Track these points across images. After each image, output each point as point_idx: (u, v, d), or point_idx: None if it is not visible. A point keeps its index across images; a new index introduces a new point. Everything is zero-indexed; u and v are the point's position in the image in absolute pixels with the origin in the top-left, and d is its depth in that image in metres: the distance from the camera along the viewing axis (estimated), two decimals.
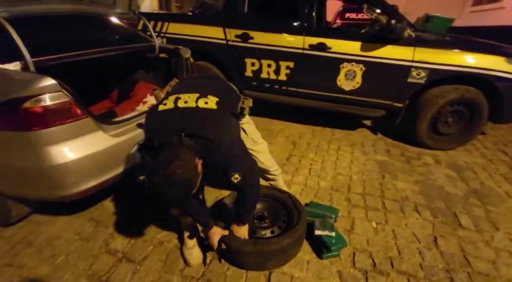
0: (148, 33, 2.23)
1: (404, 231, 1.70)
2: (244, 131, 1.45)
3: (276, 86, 3.01)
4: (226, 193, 1.84)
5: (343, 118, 3.28)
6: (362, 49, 2.58)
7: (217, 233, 1.33)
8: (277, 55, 2.84)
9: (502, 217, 1.84)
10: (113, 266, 1.44)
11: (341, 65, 2.67)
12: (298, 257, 1.49)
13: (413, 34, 2.48)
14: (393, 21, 2.29)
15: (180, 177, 0.92)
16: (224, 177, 1.11)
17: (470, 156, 2.65)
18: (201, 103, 1.09)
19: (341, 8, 5.77)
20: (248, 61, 2.97)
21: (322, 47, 2.67)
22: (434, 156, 2.63)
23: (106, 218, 1.76)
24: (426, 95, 2.57)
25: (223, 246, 1.34)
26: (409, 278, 1.39)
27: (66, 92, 1.25)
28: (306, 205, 1.82)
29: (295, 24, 2.78)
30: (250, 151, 1.49)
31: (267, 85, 3.04)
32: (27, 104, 1.16)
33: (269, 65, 2.92)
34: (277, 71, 2.92)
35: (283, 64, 2.87)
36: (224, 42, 2.98)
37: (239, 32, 2.90)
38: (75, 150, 1.31)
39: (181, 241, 1.52)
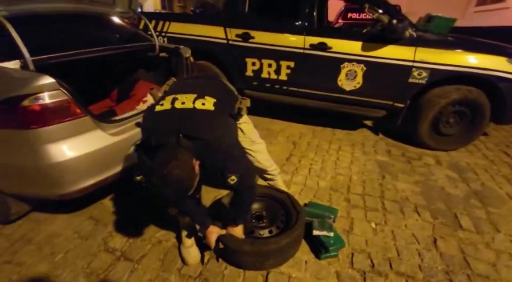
0: (149, 32, 2.23)
1: (404, 232, 1.69)
2: (242, 131, 1.44)
3: (277, 86, 3.01)
4: (224, 192, 1.84)
5: (344, 118, 3.27)
6: (363, 49, 2.56)
7: (214, 233, 1.33)
8: (278, 54, 2.83)
9: (503, 219, 1.82)
10: (111, 264, 1.44)
11: (341, 65, 2.66)
12: (296, 257, 1.48)
13: (414, 34, 2.46)
14: (394, 21, 2.28)
15: (177, 178, 0.92)
16: (221, 177, 1.11)
17: (471, 157, 2.63)
18: (198, 105, 1.09)
19: (343, 8, 5.75)
20: (249, 60, 2.97)
21: (322, 47, 2.66)
22: (435, 156, 2.62)
23: (105, 216, 1.77)
24: (427, 95, 2.55)
25: (221, 246, 1.34)
26: (408, 280, 1.38)
27: (64, 91, 1.26)
28: (305, 205, 1.82)
29: (296, 23, 2.77)
30: (247, 150, 1.49)
31: (268, 85, 3.03)
32: (25, 103, 1.17)
33: (269, 65, 2.92)
34: (277, 71, 2.91)
35: (283, 64, 2.86)
36: (225, 41, 2.98)
37: (240, 31, 2.89)
38: (73, 148, 1.32)
39: (179, 240, 1.52)
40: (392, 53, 2.49)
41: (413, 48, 2.44)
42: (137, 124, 1.60)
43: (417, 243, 1.61)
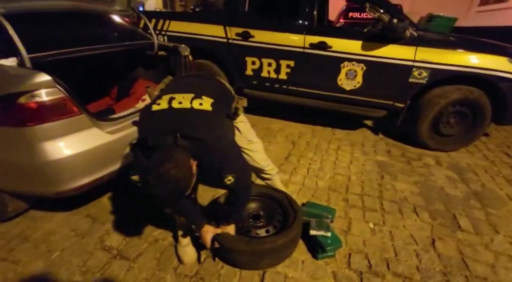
0: (148, 31, 2.23)
1: (402, 232, 1.68)
2: (239, 130, 1.44)
3: (277, 85, 3.00)
4: (222, 191, 1.83)
5: (344, 118, 3.25)
6: (363, 48, 2.55)
7: (210, 232, 1.33)
8: (278, 54, 2.82)
9: (502, 220, 1.80)
10: (107, 262, 1.44)
11: (341, 65, 2.64)
12: (293, 257, 1.48)
13: (415, 33, 2.44)
14: (394, 20, 2.26)
15: (174, 178, 0.92)
16: (217, 178, 1.11)
17: (472, 158, 2.61)
18: (196, 105, 1.08)
19: (344, 8, 5.73)
20: (249, 59, 2.96)
21: (322, 46, 2.65)
22: (435, 157, 2.60)
23: (103, 215, 1.77)
24: (427, 95, 2.54)
25: (216, 245, 1.33)
26: (405, 281, 1.37)
27: (61, 89, 1.25)
28: (303, 204, 1.81)
29: (296, 22, 2.76)
30: (244, 150, 1.49)
31: (268, 84, 3.02)
32: (21, 100, 1.16)
33: (269, 64, 2.91)
34: (277, 70, 2.90)
35: (283, 63, 2.85)
36: (225, 40, 2.97)
37: (240, 30, 2.88)
38: (69, 146, 1.31)
39: (176, 239, 1.52)
40: (392, 52, 2.48)
41: (413, 48, 2.42)
42: (134, 123, 1.59)
43: (415, 244, 1.59)
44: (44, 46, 1.46)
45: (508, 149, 2.81)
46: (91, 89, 2.34)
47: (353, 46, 2.58)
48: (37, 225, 1.67)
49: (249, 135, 1.50)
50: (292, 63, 2.82)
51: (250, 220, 1.55)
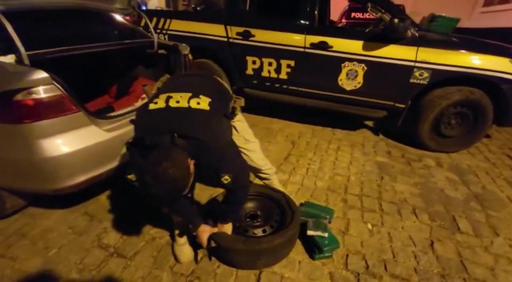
0: (149, 30, 2.23)
1: (400, 234, 1.67)
2: (236, 129, 1.43)
3: (277, 85, 2.99)
4: (220, 190, 1.83)
5: (344, 118, 3.24)
6: (364, 48, 2.53)
7: (206, 231, 1.32)
8: (278, 53, 2.81)
9: (503, 222, 1.79)
10: (104, 260, 1.44)
11: (342, 65, 2.63)
12: (289, 257, 1.47)
13: (416, 33, 2.43)
14: (395, 20, 2.25)
15: (172, 177, 0.91)
16: (215, 177, 1.11)
17: (473, 159, 2.59)
18: (193, 104, 1.08)
19: (347, 8, 5.71)
20: (249, 59, 2.96)
21: (323, 46, 2.64)
22: (436, 158, 2.58)
23: (101, 212, 1.77)
24: (428, 96, 2.52)
25: (213, 244, 1.33)
26: None
27: (58, 86, 1.25)
28: (301, 204, 1.80)
29: (297, 22, 2.75)
30: (241, 149, 1.48)
31: (268, 83, 3.02)
32: (18, 97, 1.17)
33: (270, 64, 2.90)
34: (278, 70, 2.89)
35: (284, 62, 2.84)
36: (226, 39, 2.96)
37: (241, 29, 2.88)
38: (66, 143, 1.31)
39: (173, 237, 1.51)
40: (393, 53, 2.46)
41: (415, 48, 2.41)
42: (132, 122, 1.59)
43: (414, 245, 1.58)
44: (43, 44, 1.46)
45: (509, 151, 2.79)
46: (91, 88, 2.34)
47: (354, 46, 2.56)
48: (35, 222, 1.68)
49: (246, 135, 1.50)
50: (292, 63, 2.81)
51: (247, 220, 1.54)
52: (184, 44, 2.12)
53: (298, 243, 1.55)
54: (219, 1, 3.28)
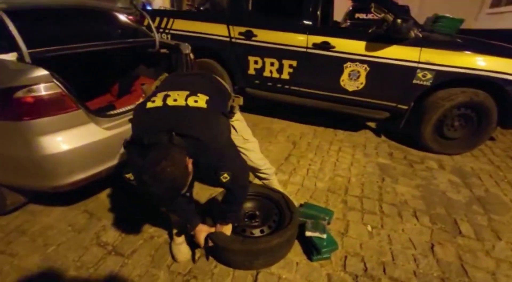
0: (150, 29, 2.24)
1: (400, 236, 1.65)
2: (234, 129, 1.42)
3: (279, 85, 2.98)
4: (219, 190, 1.83)
5: (347, 119, 3.22)
6: (367, 49, 2.52)
7: (203, 231, 1.32)
8: (280, 53, 2.81)
9: (505, 226, 1.76)
10: (102, 258, 1.44)
11: (344, 65, 2.62)
12: (287, 258, 1.46)
13: (420, 34, 2.40)
14: (398, 21, 2.23)
15: (170, 176, 0.90)
16: (214, 176, 1.10)
17: (476, 162, 2.56)
18: (191, 102, 1.07)
19: (350, 8, 5.67)
20: (251, 59, 2.95)
21: (325, 46, 2.62)
22: (438, 160, 2.55)
23: (100, 210, 1.77)
24: (432, 97, 2.49)
25: (210, 243, 1.33)
26: None
27: (58, 84, 1.26)
28: (301, 205, 1.79)
29: (299, 22, 2.74)
30: (240, 149, 1.47)
31: (270, 84, 3.01)
32: (18, 94, 1.17)
33: (272, 64, 2.89)
34: (280, 70, 2.89)
35: (286, 62, 2.83)
36: (228, 39, 2.96)
37: (243, 29, 2.88)
38: (66, 141, 1.32)
39: (171, 236, 1.51)
40: (396, 53, 2.44)
41: (418, 49, 2.38)
42: (130, 121, 1.59)
43: (414, 248, 1.56)
44: (45, 42, 1.47)
45: None
46: (94, 86, 2.36)
47: (357, 46, 2.55)
48: (36, 219, 1.69)
49: (245, 134, 1.49)
50: (294, 63, 2.80)
51: (246, 220, 1.54)
52: (185, 44, 2.12)
53: (297, 244, 1.54)
54: (222, 1, 3.29)
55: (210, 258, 1.44)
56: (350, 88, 2.69)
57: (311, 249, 1.46)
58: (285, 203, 1.58)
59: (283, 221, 1.48)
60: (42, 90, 1.21)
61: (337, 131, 3.08)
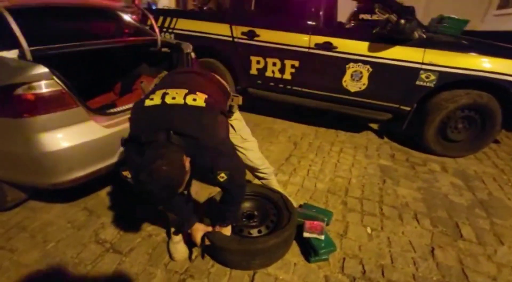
0: (152, 28, 2.24)
1: (400, 239, 1.63)
2: (233, 128, 1.42)
3: (281, 85, 2.97)
4: (218, 189, 1.82)
5: (349, 120, 3.20)
6: (370, 49, 2.50)
7: (200, 230, 1.32)
8: (283, 53, 2.80)
9: (508, 231, 1.73)
10: (100, 255, 1.45)
11: (347, 66, 2.60)
12: (285, 259, 1.45)
13: (423, 35, 2.38)
14: (402, 21, 2.21)
15: (167, 175, 0.90)
16: (211, 175, 1.09)
17: (480, 165, 2.52)
18: (189, 100, 1.06)
19: (355, 9, 5.64)
20: (253, 59, 2.95)
21: (328, 46, 2.61)
22: (441, 163, 2.52)
23: (100, 208, 1.78)
24: (435, 99, 2.46)
25: (207, 242, 1.32)
26: None
27: (58, 81, 1.27)
28: (300, 206, 1.78)
29: (302, 22, 2.73)
30: (238, 148, 1.47)
31: (272, 84, 3.00)
32: (18, 91, 1.18)
33: (274, 64, 2.88)
34: (282, 70, 2.88)
35: (288, 63, 2.82)
36: (230, 39, 2.96)
37: (245, 29, 2.87)
38: (65, 138, 1.33)
39: (169, 235, 1.51)
40: (399, 54, 2.42)
41: (421, 50, 2.36)
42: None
43: (413, 251, 1.54)
44: (47, 41, 1.48)
45: None
46: (97, 85, 2.37)
47: (360, 47, 2.53)
48: (36, 215, 1.70)
49: (244, 134, 1.48)
50: (296, 63, 2.79)
51: (244, 220, 1.53)
52: (187, 43, 2.13)
53: (295, 245, 1.53)
54: (225, 0, 3.29)
55: (207, 257, 1.43)
56: (352, 89, 2.68)
57: (309, 250, 1.45)
58: (283, 203, 1.57)
59: (282, 221, 1.47)
60: (42, 87, 1.22)
61: (339, 132, 3.06)
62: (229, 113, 1.33)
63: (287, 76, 2.88)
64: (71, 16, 1.93)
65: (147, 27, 2.32)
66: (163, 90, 1.10)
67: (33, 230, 1.59)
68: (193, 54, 2.14)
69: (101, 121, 1.49)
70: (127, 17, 2.19)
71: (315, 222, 1.49)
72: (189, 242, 1.46)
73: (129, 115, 1.60)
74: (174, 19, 3.16)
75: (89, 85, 2.26)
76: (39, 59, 1.33)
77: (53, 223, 1.65)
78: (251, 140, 1.53)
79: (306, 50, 2.70)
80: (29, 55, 1.31)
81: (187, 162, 1.00)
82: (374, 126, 3.30)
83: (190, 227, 1.32)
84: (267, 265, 1.40)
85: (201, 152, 1.03)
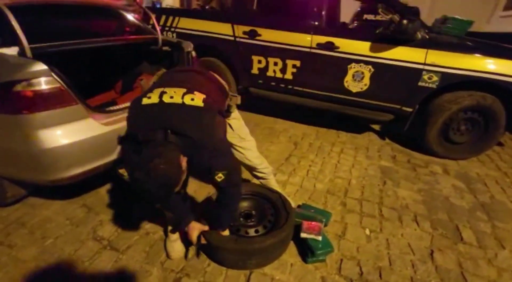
0: (158, 27, 2.24)
1: (399, 241, 1.61)
2: (231, 127, 1.41)
3: (282, 85, 2.96)
4: None
5: (350, 120, 3.18)
6: (372, 49, 2.48)
7: (196, 228, 1.31)
8: (284, 53, 2.79)
9: (510, 234, 1.70)
10: (97, 252, 1.45)
11: (348, 66, 2.58)
12: (282, 259, 1.44)
13: (426, 35, 2.35)
14: (404, 21, 2.18)
15: (164, 174, 0.90)
16: (208, 175, 1.09)
17: (483, 167, 2.49)
18: (187, 100, 1.06)
19: (359, 9, 5.61)
20: (255, 58, 2.94)
21: (330, 46, 2.59)
22: (443, 165, 2.49)
23: (98, 205, 1.79)
24: (437, 100, 2.44)
25: (203, 241, 1.32)
26: None
27: (57, 78, 1.27)
28: (299, 206, 1.77)
29: (304, 22, 2.71)
30: (236, 147, 1.46)
31: (273, 83, 2.99)
32: (17, 88, 1.19)
33: (275, 63, 2.87)
34: (283, 70, 2.87)
35: (289, 62, 2.81)
36: (232, 38, 2.96)
37: (247, 28, 2.87)
38: (64, 135, 1.33)
39: (166, 233, 1.52)
40: (401, 54, 2.40)
41: (424, 50, 2.33)
42: None
43: (412, 254, 1.52)
44: (48, 38, 1.49)
45: None
46: (98, 83, 2.39)
47: (362, 47, 2.51)
48: (35, 211, 1.71)
49: (242, 133, 1.48)
50: (298, 63, 2.78)
51: (241, 219, 1.53)
52: (188, 42, 2.13)
53: (292, 245, 1.52)
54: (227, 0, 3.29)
55: (204, 256, 1.43)
56: (354, 90, 2.66)
57: (306, 251, 1.44)
58: (281, 203, 1.56)
59: (279, 221, 1.46)
60: (41, 84, 1.23)
61: (340, 133, 3.05)
62: (227, 113, 1.33)
63: (289, 76, 2.87)
64: (72, 14, 1.94)
65: (149, 26, 2.33)
66: (161, 89, 1.10)
67: (32, 226, 1.60)
68: (193, 53, 2.15)
69: (100, 119, 1.50)
70: (128, 16, 2.19)
71: (313, 223, 1.48)
72: (186, 241, 1.47)
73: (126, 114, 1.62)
74: (177, 18, 3.17)
75: (90, 83, 2.27)
76: (39, 56, 1.34)
77: (52, 220, 1.66)
78: (249, 139, 1.53)
79: (308, 50, 2.69)
80: (29, 53, 1.32)
81: (184, 161, 1.00)
82: (376, 127, 3.27)
83: (187, 225, 1.31)
84: (264, 265, 1.39)
85: (198, 152, 1.03)
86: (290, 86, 2.93)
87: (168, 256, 1.43)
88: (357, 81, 2.61)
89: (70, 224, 1.64)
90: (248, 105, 3.32)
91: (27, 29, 1.34)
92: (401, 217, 1.80)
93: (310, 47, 2.67)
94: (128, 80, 2.36)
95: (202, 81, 1.25)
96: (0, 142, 1.36)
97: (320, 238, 1.43)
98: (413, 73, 2.39)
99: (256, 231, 1.43)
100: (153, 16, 2.23)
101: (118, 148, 1.59)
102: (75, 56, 1.98)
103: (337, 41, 2.58)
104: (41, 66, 1.22)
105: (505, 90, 2.25)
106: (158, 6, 7.07)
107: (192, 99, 1.07)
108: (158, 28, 2.12)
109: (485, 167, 2.50)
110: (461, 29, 2.65)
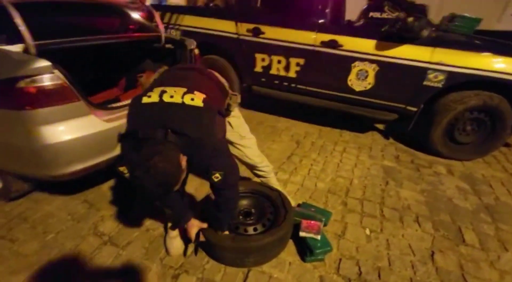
0: (162, 24, 2.25)
1: (400, 241, 1.60)
2: (231, 125, 1.41)
3: (285, 83, 2.94)
4: None
5: (354, 119, 3.15)
6: (376, 48, 2.45)
7: (195, 226, 1.32)
8: (288, 51, 2.77)
9: None
10: (98, 248, 1.47)
11: (352, 64, 2.55)
12: (280, 257, 1.44)
13: (433, 33, 2.31)
14: (410, 19, 2.15)
15: (163, 172, 0.90)
16: (206, 174, 1.10)
17: (489, 169, 2.45)
18: (187, 100, 1.06)
19: (365, 7, 5.54)
20: (258, 56, 2.92)
21: (333, 44, 2.57)
22: (447, 165, 2.46)
23: (100, 201, 1.81)
24: (443, 100, 2.40)
25: (202, 238, 1.32)
26: None
27: (59, 75, 1.28)
28: (299, 205, 1.76)
29: (308, 20, 2.69)
30: (236, 145, 1.46)
31: (276, 82, 2.98)
32: (21, 84, 1.20)
33: (279, 62, 2.86)
34: (286, 68, 2.85)
35: (293, 61, 2.79)
36: (235, 36, 2.95)
37: (251, 26, 2.85)
38: (66, 131, 1.35)
39: (166, 230, 1.52)
40: (407, 53, 2.36)
41: (430, 49, 2.29)
42: None
43: (412, 255, 1.51)
44: (52, 35, 1.50)
45: None
46: (102, 80, 2.40)
47: (366, 45, 2.48)
48: (38, 206, 1.74)
49: (242, 131, 1.47)
50: (301, 61, 2.76)
51: (240, 217, 1.53)
52: (191, 39, 2.13)
53: (291, 243, 1.52)
54: None
55: (202, 253, 1.44)
56: (358, 88, 2.63)
57: (305, 250, 1.44)
58: (281, 202, 1.56)
59: (278, 219, 1.46)
60: (44, 80, 1.24)
61: (343, 132, 3.02)
62: (227, 111, 1.32)
63: (292, 74, 2.85)
64: (75, 11, 1.96)
65: (153, 24, 2.34)
66: (161, 88, 1.10)
67: (34, 221, 1.63)
68: (196, 51, 2.15)
69: (101, 115, 1.51)
70: (131, 13, 2.20)
71: (312, 222, 1.47)
72: (185, 238, 1.47)
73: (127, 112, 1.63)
74: (181, 16, 3.17)
75: (94, 80, 2.29)
76: (43, 53, 1.35)
77: (54, 215, 1.68)
78: (249, 137, 1.52)
79: (312, 48, 2.66)
80: (33, 50, 1.33)
81: (184, 160, 1.00)
82: (380, 126, 3.24)
83: (186, 222, 1.32)
84: (262, 263, 1.39)
85: (197, 151, 1.03)
86: (293, 85, 2.92)
87: (167, 252, 1.44)
88: (361, 80, 2.58)
89: (71, 220, 1.66)
90: (251, 104, 3.31)
91: (31, 27, 1.35)
92: (402, 218, 1.78)
93: (314, 45, 2.65)
94: (131, 78, 2.37)
95: (202, 81, 1.25)
96: (3, 137, 1.38)
97: (319, 237, 1.42)
98: (418, 72, 2.35)
99: (255, 229, 1.43)
100: (156, 14, 2.23)
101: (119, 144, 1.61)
102: (79, 53, 1.99)
103: (342, 39, 2.55)
104: (44, 63, 1.24)
105: (510, 90, 2.20)
106: (163, 3, 7.08)
107: (192, 99, 1.06)
108: (161, 26, 2.12)
109: (491, 168, 2.46)
110: (469, 27, 2.60)
